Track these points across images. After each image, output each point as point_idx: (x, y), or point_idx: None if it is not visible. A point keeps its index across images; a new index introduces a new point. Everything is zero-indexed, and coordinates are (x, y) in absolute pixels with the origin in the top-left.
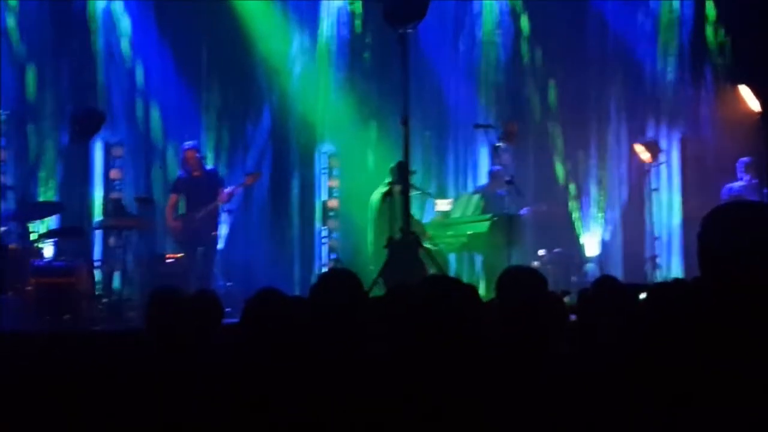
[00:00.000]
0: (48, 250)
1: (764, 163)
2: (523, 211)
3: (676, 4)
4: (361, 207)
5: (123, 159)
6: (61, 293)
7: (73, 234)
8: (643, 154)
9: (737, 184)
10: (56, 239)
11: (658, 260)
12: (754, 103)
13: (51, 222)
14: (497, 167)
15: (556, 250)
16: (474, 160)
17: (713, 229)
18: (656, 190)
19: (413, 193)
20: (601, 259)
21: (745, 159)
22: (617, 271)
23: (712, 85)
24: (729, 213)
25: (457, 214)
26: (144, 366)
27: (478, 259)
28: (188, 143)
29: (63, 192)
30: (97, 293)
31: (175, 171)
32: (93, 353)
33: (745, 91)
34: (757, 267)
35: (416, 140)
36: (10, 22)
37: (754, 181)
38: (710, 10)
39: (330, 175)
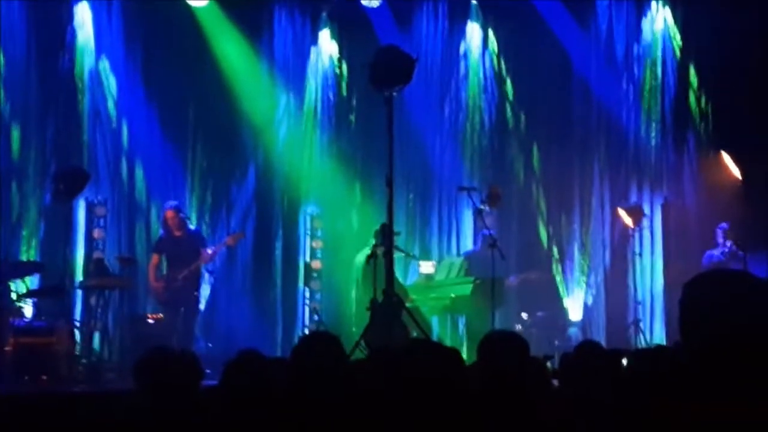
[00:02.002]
0: (28, 309)
1: (745, 229)
2: (510, 279)
3: (659, 72)
4: (344, 268)
5: (106, 218)
6: (41, 354)
7: (53, 293)
8: (626, 218)
9: (717, 251)
10: (36, 299)
11: (641, 324)
12: (735, 170)
13: (32, 281)
14: (488, 231)
15: (539, 313)
16: (458, 222)
17: (694, 298)
18: (639, 254)
19: (397, 255)
20: (584, 322)
21: (723, 225)
22: (600, 335)
23: (694, 151)
24: (710, 282)
25: (441, 277)
26: (123, 429)
27: (462, 322)
28: (169, 203)
29: (45, 251)
30: (76, 354)
31: (158, 230)
32: (71, 415)
33: (726, 158)
34: (738, 336)
35: (400, 202)
36: None
37: (733, 248)
38: (693, 77)
39: (314, 236)
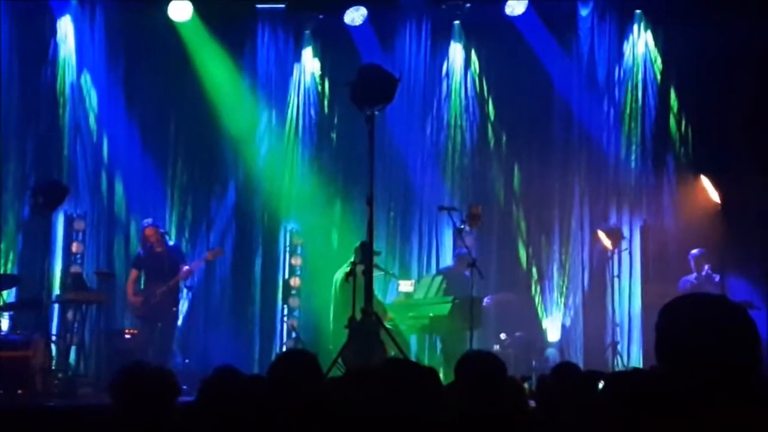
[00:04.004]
0: (4, 323)
1: (722, 253)
2: (486, 300)
3: (639, 95)
4: (323, 286)
5: (85, 232)
6: (16, 367)
7: (30, 306)
8: (605, 240)
9: (692, 276)
10: (12, 312)
11: (618, 347)
12: (714, 194)
13: (8, 295)
14: (463, 250)
15: (517, 334)
16: (438, 242)
17: (670, 321)
18: (618, 276)
19: (376, 273)
20: (562, 344)
21: (695, 252)
22: (578, 357)
23: (673, 175)
24: (686, 305)
25: (419, 296)
26: None
27: (439, 341)
28: (147, 221)
29: (22, 264)
30: (52, 368)
31: (137, 246)
32: (47, 430)
33: (705, 182)
34: (713, 359)
35: (381, 221)
36: None
37: (709, 274)
38: (673, 101)
39: (293, 253)
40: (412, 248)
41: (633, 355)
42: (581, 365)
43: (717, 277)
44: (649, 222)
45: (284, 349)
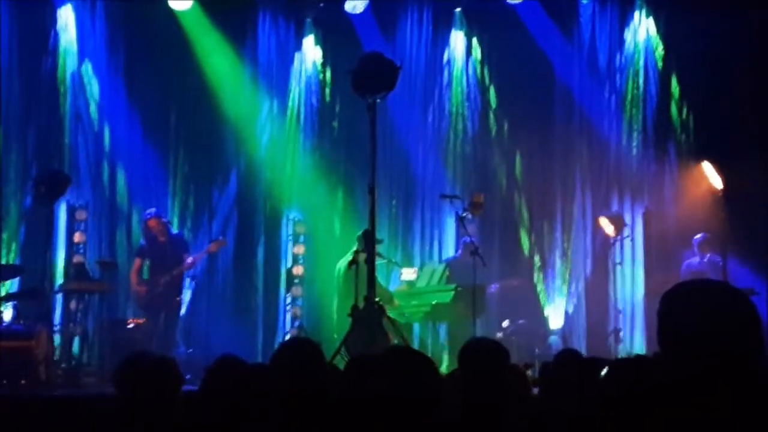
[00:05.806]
0: (7, 313)
1: (723, 240)
2: (492, 287)
3: (641, 82)
4: (326, 274)
5: (87, 222)
6: (20, 357)
7: (32, 296)
8: (607, 227)
9: (695, 260)
10: (15, 302)
11: (621, 333)
12: (715, 181)
13: (11, 285)
14: (468, 238)
15: (520, 321)
16: (440, 230)
17: (672, 308)
18: (620, 263)
19: (379, 261)
20: (564, 331)
21: (698, 237)
22: (581, 344)
23: (675, 161)
24: (688, 292)
25: (422, 284)
26: None
27: (443, 329)
28: (149, 211)
29: (25, 254)
30: (55, 358)
31: (140, 235)
32: (50, 420)
33: (707, 168)
34: (715, 346)
35: (383, 209)
36: None
37: (712, 258)
38: (675, 88)
39: (296, 242)
40: (414, 236)
41: (636, 342)
42: (584, 352)
43: (719, 263)
44: (651, 208)
45: (287, 338)
